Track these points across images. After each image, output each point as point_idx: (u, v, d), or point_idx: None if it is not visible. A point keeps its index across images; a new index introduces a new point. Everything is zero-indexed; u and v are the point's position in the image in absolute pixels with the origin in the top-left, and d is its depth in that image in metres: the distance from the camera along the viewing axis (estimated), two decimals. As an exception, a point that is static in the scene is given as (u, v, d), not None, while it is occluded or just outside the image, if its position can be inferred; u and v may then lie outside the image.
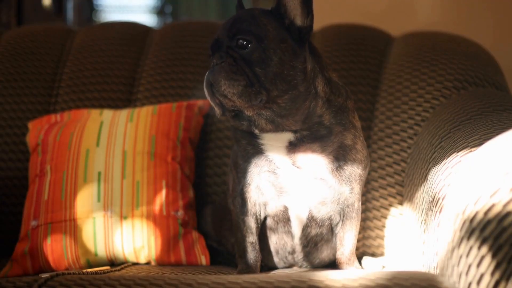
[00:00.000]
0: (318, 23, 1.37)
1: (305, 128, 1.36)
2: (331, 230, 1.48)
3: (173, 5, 6.49)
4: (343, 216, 1.44)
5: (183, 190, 1.71)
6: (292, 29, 1.33)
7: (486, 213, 0.91)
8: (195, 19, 5.37)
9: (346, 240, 1.45)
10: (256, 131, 1.36)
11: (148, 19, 6.52)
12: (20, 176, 1.89)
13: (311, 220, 1.44)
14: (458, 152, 1.26)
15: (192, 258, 1.65)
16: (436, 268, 1.11)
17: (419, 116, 1.77)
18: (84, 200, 1.64)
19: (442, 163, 1.29)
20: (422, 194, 1.39)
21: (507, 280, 0.84)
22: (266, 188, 1.42)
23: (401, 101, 1.81)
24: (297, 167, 1.38)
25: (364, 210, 1.76)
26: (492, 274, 0.86)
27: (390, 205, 1.75)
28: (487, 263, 0.87)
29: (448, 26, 2.38)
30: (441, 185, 1.21)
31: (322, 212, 1.43)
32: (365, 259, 1.66)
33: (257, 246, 1.45)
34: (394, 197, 1.75)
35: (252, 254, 1.44)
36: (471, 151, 1.22)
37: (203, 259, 1.65)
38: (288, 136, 1.37)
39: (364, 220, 1.77)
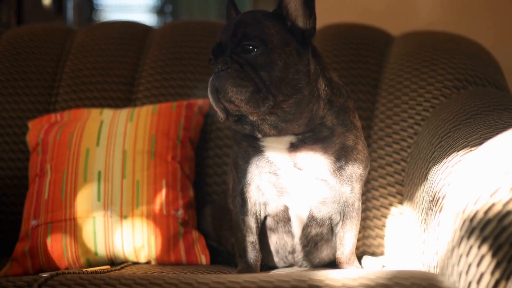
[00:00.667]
0: (318, 23, 1.36)
1: (307, 130, 1.35)
2: (331, 229, 1.48)
3: (173, 4, 6.49)
4: (344, 216, 1.43)
5: (183, 190, 1.71)
6: (295, 31, 1.32)
7: (486, 212, 0.91)
8: (195, 18, 5.37)
9: (346, 240, 1.45)
10: (259, 136, 1.36)
11: (148, 19, 6.52)
12: (20, 176, 1.89)
13: (311, 219, 1.44)
14: (458, 151, 1.26)
15: (192, 257, 1.65)
16: (436, 268, 1.11)
17: (419, 115, 1.77)
18: (84, 200, 1.64)
19: (442, 162, 1.29)
20: (422, 193, 1.39)
21: (507, 279, 0.84)
22: (266, 188, 1.41)
23: (401, 100, 1.81)
24: (298, 168, 1.37)
25: (364, 210, 1.76)
26: (492, 273, 0.86)
27: (390, 204, 1.75)
28: (487, 262, 0.87)
29: (448, 25, 2.38)
30: (441, 184, 1.21)
31: (323, 211, 1.43)
32: (365, 258, 1.66)
33: (257, 246, 1.45)
34: (394, 196, 1.75)
35: (252, 254, 1.44)
36: (471, 150, 1.22)
37: (203, 259, 1.65)
38: (289, 138, 1.36)
39: (364, 219, 1.77)
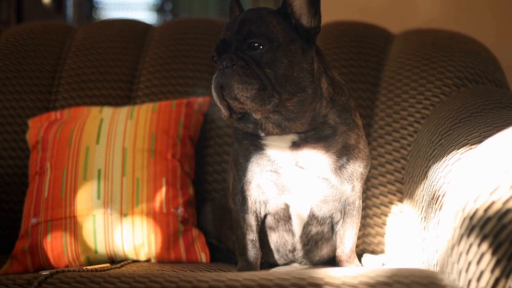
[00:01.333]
0: (318, 21, 1.36)
1: (310, 129, 1.35)
2: (332, 228, 1.48)
3: (172, 2, 6.48)
4: (344, 214, 1.43)
5: (183, 188, 1.71)
6: (299, 29, 1.32)
7: (486, 210, 0.91)
8: (195, 16, 5.36)
9: (346, 238, 1.45)
10: (262, 134, 1.35)
11: (147, 17, 6.51)
12: (20, 174, 1.89)
13: (312, 218, 1.44)
14: (458, 149, 1.26)
15: (192, 255, 1.65)
16: (436, 265, 1.11)
17: (419, 113, 1.77)
18: (84, 198, 1.64)
19: (442, 161, 1.29)
20: (422, 191, 1.39)
21: (507, 277, 0.84)
22: (267, 186, 1.41)
23: (401, 99, 1.81)
24: (300, 167, 1.37)
25: (364, 208, 1.76)
26: (492, 271, 0.86)
27: (390, 203, 1.75)
28: (487, 260, 0.87)
29: (448, 23, 2.38)
30: (441, 182, 1.21)
31: (324, 210, 1.43)
32: (365, 256, 1.66)
33: (257, 244, 1.45)
34: (394, 195, 1.75)
35: (252, 252, 1.44)
36: (471, 148, 1.22)
37: (203, 257, 1.65)
38: (292, 136, 1.36)
39: (364, 217, 1.77)
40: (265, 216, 1.47)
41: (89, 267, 1.48)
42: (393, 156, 1.77)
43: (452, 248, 0.97)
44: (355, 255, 1.48)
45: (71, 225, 1.63)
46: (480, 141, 1.21)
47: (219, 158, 1.88)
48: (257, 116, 1.31)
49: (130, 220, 1.63)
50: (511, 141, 0.97)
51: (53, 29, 2.14)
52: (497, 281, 0.85)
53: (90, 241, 1.62)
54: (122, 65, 2.00)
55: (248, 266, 1.43)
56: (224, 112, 1.31)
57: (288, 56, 1.28)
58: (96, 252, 1.63)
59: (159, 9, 6.50)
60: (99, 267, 1.46)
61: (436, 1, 2.77)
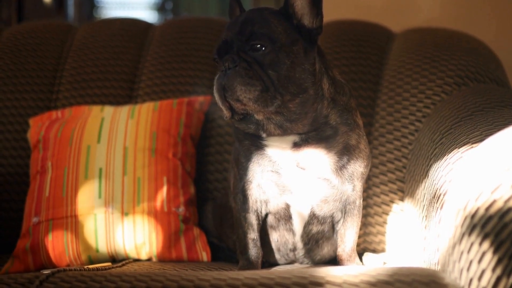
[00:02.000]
0: (319, 20, 1.36)
1: (311, 129, 1.35)
2: (332, 227, 1.48)
3: (173, 1, 6.49)
4: (345, 214, 1.43)
5: (184, 187, 1.71)
6: (301, 29, 1.31)
7: (487, 209, 0.91)
8: (196, 15, 5.36)
9: (347, 237, 1.45)
10: (264, 135, 1.35)
11: (148, 16, 6.52)
12: (21, 173, 1.89)
13: (312, 217, 1.43)
14: (459, 148, 1.26)
15: (193, 254, 1.65)
16: (437, 264, 1.11)
17: (420, 112, 1.77)
18: (85, 197, 1.65)
19: (443, 159, 1.29)
20: (423, 190, 1.39)
21: (508, 276, 0.84)
22: (268, 187, 1.41)
23: (402, 97, 1.81)
24: (301, 168, 1.37)
25: (365, 206, 1.76)
26: (494, 270, 0.86)
27: (391, 201, 1.75)
28: (488, 259, 0.87)
29: (449, 22, 2.38)
30: (442, 181, 1.21)
31: (324, 210, 1.43)
32: (366, 255, 1.66)
33: (258, 243, 1.45)
34: (395, 193, 1.75)
35: (253, 251, 1.44)
36: (472, 147, 1.21)
37: (204, 256, 1.66)
38: (293, 137, 1.36)
39: (365, 216, 1.77)
40: (266, 215, 1.47)
41: (90, 266, 1.48)
42: (394, 154, 1.77)
43: (453, 246, 0.97)
44: (356, 254, 1.48)
45: (72, 224, 1.63)
46: (481, 140, 1.21)
47: (220, 157, 1.88)
48: (259, 117, 1.31)
49: (131, 219, 1.63)
50: (513, 140, 0.97)
51: (54, 28, 2.14)
52: (498, 280, 0.85)
53: (91, 240, 1.62)
54: (123, 64, 2.00)
55: (249, 265, 1.43)
56: (226, 113, 1.30)
57: (290, 57, 1.28)
58: (97, 251, 1.63)
59: (160, 8, 6.51)
60: (100, 266, 1.46)
61: (437, 0, 2.77)
